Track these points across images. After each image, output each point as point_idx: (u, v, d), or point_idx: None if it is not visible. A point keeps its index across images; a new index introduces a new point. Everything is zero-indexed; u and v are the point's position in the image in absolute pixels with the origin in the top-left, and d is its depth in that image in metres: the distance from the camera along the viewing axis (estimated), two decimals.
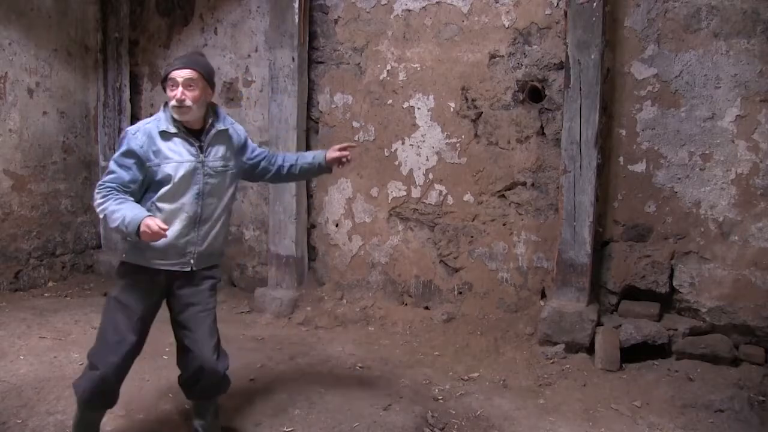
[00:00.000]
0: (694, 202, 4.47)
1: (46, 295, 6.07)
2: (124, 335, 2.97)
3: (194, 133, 3.05)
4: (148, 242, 2.84)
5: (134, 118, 6.90)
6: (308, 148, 5.69)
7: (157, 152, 2.96)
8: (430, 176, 5.26)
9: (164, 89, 3.03)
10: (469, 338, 4.81)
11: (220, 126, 3.11)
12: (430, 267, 5.30)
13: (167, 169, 2.95)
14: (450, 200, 5.20)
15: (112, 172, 2.94)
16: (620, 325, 4.45)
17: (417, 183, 5.30)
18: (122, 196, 2.90)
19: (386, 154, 5.42)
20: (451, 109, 5.14)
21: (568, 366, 4.32)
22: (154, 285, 3.06)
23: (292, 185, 5.53)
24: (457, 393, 3.97)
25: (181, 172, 2.97)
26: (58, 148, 6.46)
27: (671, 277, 4.55)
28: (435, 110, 5.20)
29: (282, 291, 5.59)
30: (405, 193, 5.36)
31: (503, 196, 5.03)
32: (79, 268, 6.79)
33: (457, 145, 5.14)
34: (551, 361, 4.40)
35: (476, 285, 5.14)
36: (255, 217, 6.15)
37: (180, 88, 2.93)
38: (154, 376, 4.09)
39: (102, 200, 2.89)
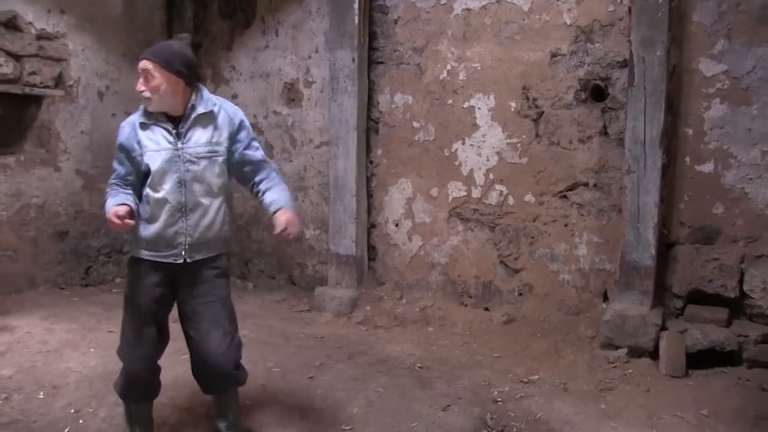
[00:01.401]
0: (767, 203, 4.31)
1: (113, 290, 6.30)
2: (140, 329, 3.06)
3: (174, 120, 3.02)
4: (120, 231, 3.07)
5: None
6: (368, 148, 5.74)
7: (139, 143, 2.99)
8: (491, 176, 5.22)
9: None
10: (529, 340, 4.77)
11: (200, 109, 3.01)
12: (490, 268, 5.27)
13: (147, 158, 2.97)
14: (510, 201, 5.15)
15: (114, 168, 3.07)
16: (686, 330, 4.32)
17: (477, 183, 5.27)
18: (118, 189, 3.01)
19: (446, 154, 5.40)
20: (512, 109, 5.09)
21: (630, 371, 4.22)
22: (154, 278, 3.05)
23: (353, 185, 5.59)
24: (516, 395, 3.93)
25: (159, 161, 2.95)
26: None
27: (741, 281, 4.39)
28: (495, 110, 5.16)
29: (342, 290, 5.64)
30: (465, 194, 5.34)
31: (565, 196, 4.95)
32: None
33: (518, 145, 5.09)
34: (613, 365, 4.31)
35: (537, 286, 5.08)
36: (315, 217, 6.23)
37: (140, 79, 2.95)
38: None
39: (105, 197, 3.02)
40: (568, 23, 4.85)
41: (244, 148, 3.12)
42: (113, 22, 6.50)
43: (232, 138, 3.09)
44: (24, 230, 5.91)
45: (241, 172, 3.17)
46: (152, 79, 2.91)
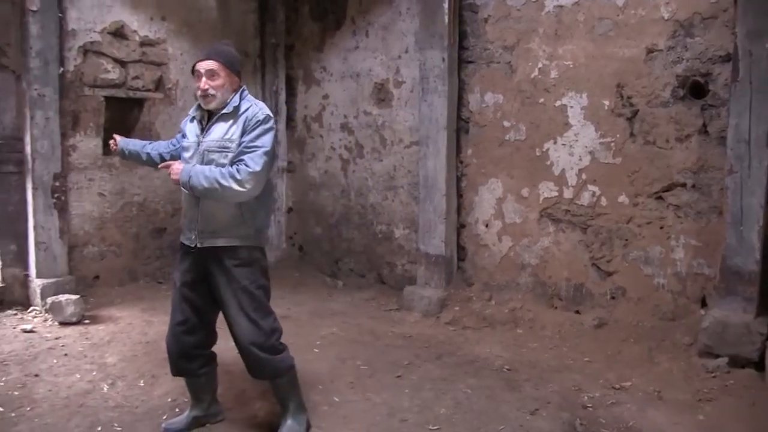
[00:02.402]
0: None
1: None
2: (174, 309, 3.33)
3: (210, 116, 3.25)
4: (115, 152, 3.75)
5: (290, 120, 7.30)
6: (458, 147, 5.73)
7: (184, 134, 3.37)
8: (583, 177, 5.10)
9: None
10: (621, 345, 4.63)
11: (225, 109, 3.16)
12: (581, 270, 5.15)
13: (183, 148, 3.33)
14: (603, 201, 5.01)
15: None
16: None
17: (569, 183, 5.17)
18: (159, 142, 3.73)
19: (537, 154, 5.32)
20: (606, 108, 4.95)
21: (731, 381, 4.02)
22: (186, 262, 3.27)
23: (443, 185, 5.59)
24: (607, 402, 3.83)
25: (186, 151, 3.26)
26: None
27: None
28: (588, 109, 5.03)
29: (430, 290, 5.66)
30: (557, 194, 5.24)
31: (660, 197, 4.77)
32: None
33: (612, 144, 4.94)
34: (712, 374, 4.12)
35: (630, 290, 4.92)
36: (405, 216, 6.27)
37: (203, 78, 3.13)
38: (304, 368, 4.25)
39: None
40: (666, 17, 4.67)
41: (244, 148, 3.07)
42: (209, 27, 6.79)
43: (243, 137, 3.11)
44: (127, 227, 6.28)
45: None
46: (217, 78, 3.14)
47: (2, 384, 3.99)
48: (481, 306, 5.43)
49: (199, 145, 3.18)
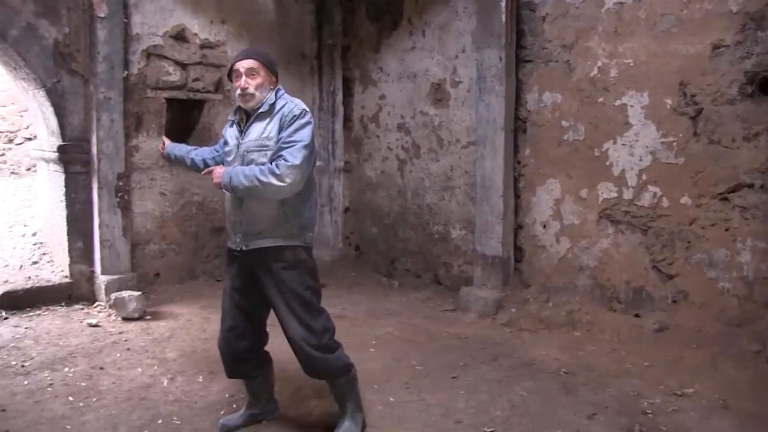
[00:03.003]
0: None
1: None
2: (223, 312, 3.36)
3: (248, 117, 3.26)
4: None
5: (347, 120, 7.36)
6: (516, 148, 5.67)
7: (225, 140, 3.38)
8: (644, 177, 4.98)
9: (231, 81, 3.28)
10: (683, 351, 4.49)
11: (261, 108, 3.18)
12: (641, 272, 5.03)
13: (225, 153, 3.35)
14: (665, 203, 4.88)
15: None
16: None
17: (629, 184, 5.05)
18: (204, 148, 3.72)
19: (596, 154, 5.22)
20: (668, 106, 4.82)
21: None
22: (234, 266, 3.29)
23: (500, 185, 5.55)
24: (668, 408, 3.74)
25: (228, 154, 3.28)
26: None
27: None
28: (649, 108, 4.91)
29: (487, 291, 5.63)
30: (616, 195, 5.13)
31: (726, 198, 4.61)
32: None
33: (674, 144, 4.81)
34: None
35: (693, 294, 4.78)
36: (462, 217, 6.25)
37: (243, 77, 3.15)
38: (359, 367, 4.23)
39: None
40: (734, 10, 4.50)
41: (282, 145, 3.07)
42: (267, 29, 6.92)
43: (280, 134, 3.12)
44: (186, 225, 6.45)
45: None
46: (257, 77, 3.18)
47: (71, 375, 4.18)
48: (537, 308, 5.37)
49: (239, 147, 3.20)
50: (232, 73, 3.23)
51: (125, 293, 5.37)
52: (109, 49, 5.65)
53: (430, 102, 6.48)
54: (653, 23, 4.85)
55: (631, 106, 4.99)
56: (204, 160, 3.62)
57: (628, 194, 5.06)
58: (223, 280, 3.41)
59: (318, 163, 7.32)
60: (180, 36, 6.23)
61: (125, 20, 5.81)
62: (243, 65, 3.17)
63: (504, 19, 5.45)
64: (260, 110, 3.18)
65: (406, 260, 6.85)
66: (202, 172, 3.39)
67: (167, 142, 3.83)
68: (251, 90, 3.14)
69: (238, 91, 3.17)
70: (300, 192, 3.12)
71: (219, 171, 3.13)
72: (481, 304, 5.55)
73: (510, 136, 5.62)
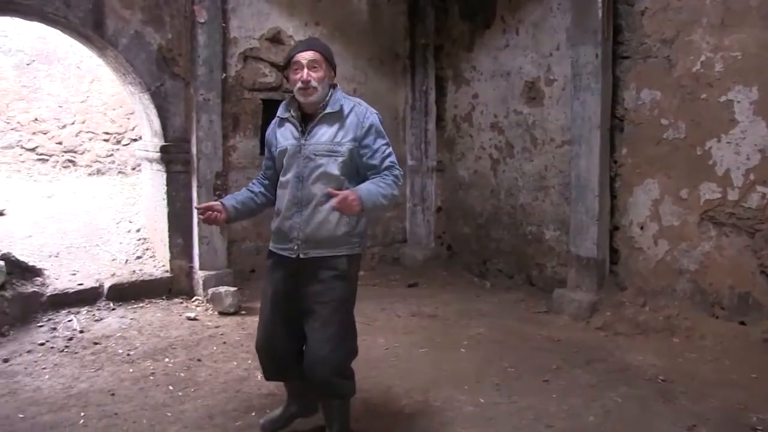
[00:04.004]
0: None
1: (358, 282, 6.75)
2: (264, 316, 3.23)
3: (306, 117, 3.10)
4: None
5: (439, 120, 7.37)
6: (612, 147, 5.52)
7: (276, 137, 3.17)
8: (751, 177, 4.72)
9: (286, 78, 3.14)
10: None
11: (329, 109, 3.04)
12: (748, 278, 4.78)
13: (277, 153, 3.13)
14: None
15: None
16: None
17: (734, 184, 4.81)
18: (251, 185, 3.36)
19: (698, 153, 5.00)
20: None
21: None
22: (279, 271, 3.14)
23: (596, 185, 5.42)
24: None
25: (285, 156, 3.08)
26: None
27: None
28: (758, 103, 4.65)
29: (581, 293, 5.51)
30: (720, 196, 4.90)
31: None
32: (387, 260, 7.47)
33: None
34: None
35: None
36: (556, 217, 6.14)
37: (305, 70, 2.98)
38: (450, 367, 4.34)
39: None
40: None
41: (370, 156, 3.07)
42: (360, 30, 7.04)
43: (359, 141, 3.05)
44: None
45: (365, 175, 3.13)
46: (319, 70, 3.02)
47: (171, 365, 4.41)
48: (634, 312, 5.20)
49: (300, 148, 3.04)
50: (290, 65, 3.06)
51: (222, 288, 5.60)
52: (208, 53, 5.90)
53: (523, 101, 6.40)
54: (766, 12, 4.58)
55: (738, 102, 4.75)
56: (262, 193, 3.34)
57: (733, 195, 4.82)
58: (265, 283, 3.26)
59: (410, 163, 7.50)
60: (275, 38, 6.42)
61: (223, 25, 6.05)
62: (305, 56, 3.01)
63: (600, 15, 5.30)
64: (327, 110, 3.05)
65: (499, 260, 6.79)
66: (332, 206, 2.93)
67: (220, 206, 3.25)
68: (314, 83, 2.98)
69: (299, 85, 2.99)
70: None
71: (353, 198, 2.89)
72: (574, 306, 5.44)
73: (606, 135, 5.47)
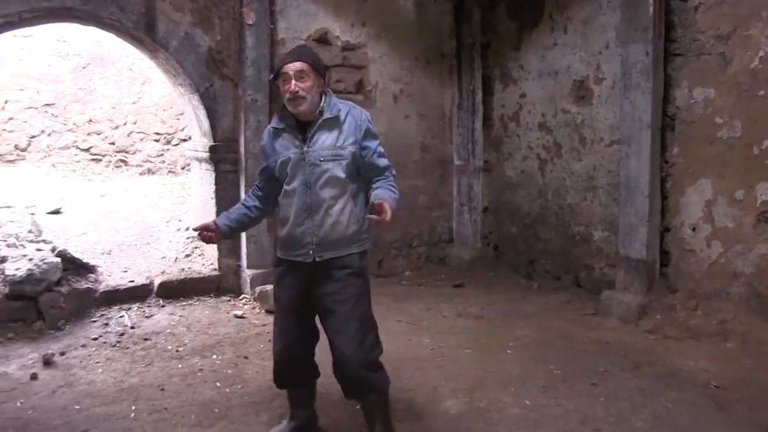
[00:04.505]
0: None
1: (402, 282, 6.80)
2: (281, 325, 3.24)
3: (302, 125, 3.12)
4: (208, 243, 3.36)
5: (486, 119, 7.32)
6: (663, 147, 5.40)
7: (273, 149, 3.19)
8: None
9: (278, 87, 3.15)
10: None
11: (327, 114, 3.09)
12: None
13: (279, 163, 3.14)
14: None
15: (258, 172, 3.39)
16: None
17: None
18: (245, 200, 3.39)
19: (755, 153, 4.85)
20: None
21: None
22: (292, 277, 3.18)
23: (646, 186, 5.31)
24: None
25: (287, 166, 3.11)
26: (417, 147, 7.18)
27: None
28: None
29: (630, 295, 5.40)
30: None
31: None
32: (432, 259, 7.45)
33: None
34: None
35: None
36: (604, 218, 6.04)
37: (293, 81, 3.02)
38: (496, 368, 4.31)
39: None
40: None
41: (371, 156, 3.17)
42: (406, 30, 7.05)
43: (359, 144, 3.14)
44: None
45: (366, 177, 3.23)
46: (306, 80, 3.05)
47: (219, 362, 4.48)
48: (685, 315, 5.07)
49: (304, 156, 3.09)
50: (279, 77, 3.10)
51: (268, 287, 5.64)
52: (256, 54, 5.97)
53: (572, 100, 6.31)
54: None
55: None
56: (256, 207, 3.37)
57: None
58: (277, 291, 3.33)
59: (457, 162, 7.47)
60: (322, 39, 6.47)
61: (271, 26, 6.12)
62: (292, 67, 3.05)
63: (652, 11, 5.19)
64: (326, 116, 3.11)
65: (546, 261, 6.71)
66: (372, 218, 2.99)
67: (214, 226, 3.30)
68: (302, 93, 3.03)
69: (287, 96, 3.05)
70: (355, 194, 3.19)
71: (386, 206, 2.95)
72: (623, 308, 5.33)
73: (657, 135, 5.35)
